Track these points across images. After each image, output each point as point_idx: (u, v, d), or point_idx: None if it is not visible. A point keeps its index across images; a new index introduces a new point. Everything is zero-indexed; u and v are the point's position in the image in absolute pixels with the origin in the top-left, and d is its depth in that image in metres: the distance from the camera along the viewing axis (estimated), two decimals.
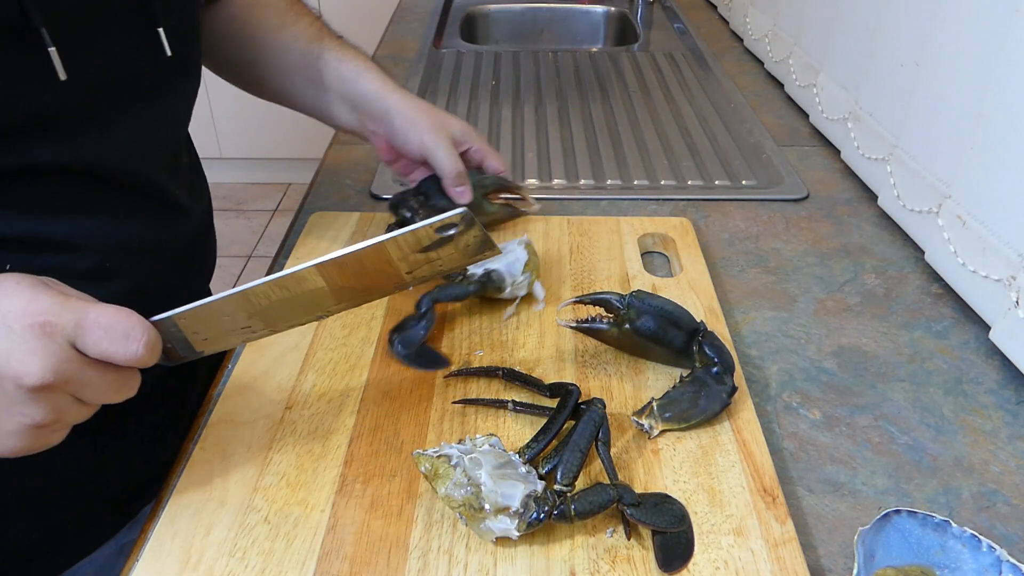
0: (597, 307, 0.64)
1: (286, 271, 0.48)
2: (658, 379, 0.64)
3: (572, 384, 0.58)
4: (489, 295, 0.70)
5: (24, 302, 0.41)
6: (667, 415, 0.58)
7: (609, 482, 0.51)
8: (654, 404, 0.59)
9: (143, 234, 0.61)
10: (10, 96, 0.49)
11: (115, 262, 0.59)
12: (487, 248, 0.52)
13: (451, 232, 0.50)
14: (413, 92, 1.20)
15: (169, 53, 0.59)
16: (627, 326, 0.62)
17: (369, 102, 0.75)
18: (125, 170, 0.58)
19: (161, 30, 0.58)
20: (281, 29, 0.77)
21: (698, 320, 0.63)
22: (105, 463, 0.65)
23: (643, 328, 0.62)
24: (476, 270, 0.69)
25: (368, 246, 0.49)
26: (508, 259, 0.70)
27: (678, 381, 0.61)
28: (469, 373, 0.63)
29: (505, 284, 0.69)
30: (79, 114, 0.54)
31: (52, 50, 0.49)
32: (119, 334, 0.43)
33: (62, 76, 0.50)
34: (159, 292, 0.61)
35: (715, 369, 0.60)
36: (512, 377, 0.62)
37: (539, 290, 0.71)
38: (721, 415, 0.59)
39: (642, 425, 0.58)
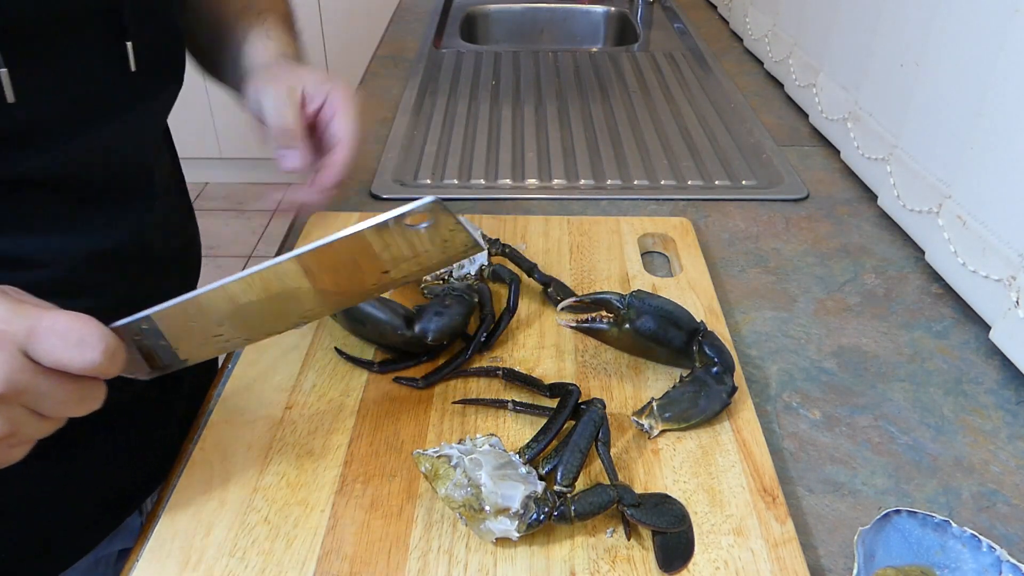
0: (597, 307, 0.64)
1: (259, 266, 0.45)
2: (658, 379, 0.64)
3: (572, 384, 0.58)
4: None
5: None
6: (667, 415, 0.58)
7: (609, 483, 0.51)
8: (654, 404, 0.59)
9: (115, 245, 0.59)
10: None
11: (88, 276, 0.57)
12: (471, 245, 0.47)
13: (422, 226, 0.44)
14: (413, 92, 1.21)
15: (134, 68, 0.56)
16: (627, 326, 0.62)
17: (246, 68, 0.67)
18: (93, 182, 0.57)
19: (129, 44, 0.55)
20: (224, 4, 0.73)
21: (698, 320, 0.63)
22: (79, 477, 0.63)
23: (643, 328, 0.62)
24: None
25: (343, 236, 0.45)
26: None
27: (678, 381, 0.61)
28: (469, 374, 0.63)
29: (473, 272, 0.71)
30: (37, 130, 0.52)
31: (2, 72, 0.47)
32: (74, 341, 0.39)
33: (10, 99, 0.48)
34: (139, 304, 0.60)
35: (715, 369, 0.60)
36: (512, 377, 0.62)
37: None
38: (721, 415, 0.59)
39: (642, 425, 0.58)
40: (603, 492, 0.50)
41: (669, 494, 0.53)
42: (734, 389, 0.59)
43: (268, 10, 0.73)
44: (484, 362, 0.65)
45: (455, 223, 0.45)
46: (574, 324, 0.64)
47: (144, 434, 0.68)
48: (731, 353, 0.62)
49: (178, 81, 0.65)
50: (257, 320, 0.48)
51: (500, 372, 0.62)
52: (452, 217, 0.45)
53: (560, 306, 0.65)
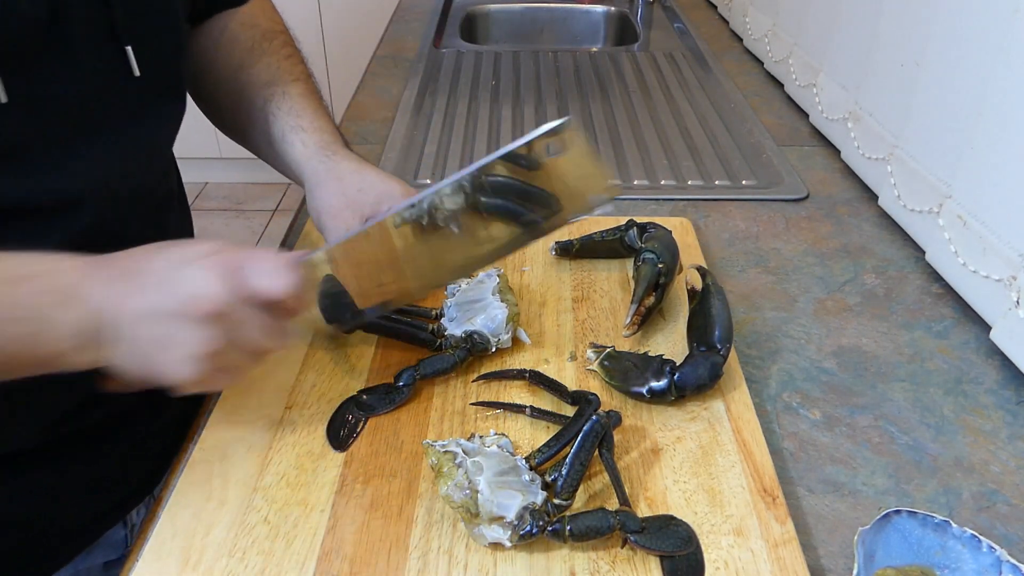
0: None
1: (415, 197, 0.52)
2: None
3: (592, 394, 0.58)
4: (475, 356, 0.64)
5: (202, 247, 0.47)
6: (606, 363, 0.63)
7: (616, 507, 0.50)
8: (607, 351, 0.63)
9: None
10: None
11: None
12: (603, 187, 0.53)
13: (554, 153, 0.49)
14: (413, 92, 1.21)
15: (138, 73, 0.56)
16: None
17: (294, 168, 0.67)
18: (86, 204, 0.55)
19: (129, 48, 0.55)
20: (240, 70, 0.70)
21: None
22: (67, 489, 0.62)
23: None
24: (456, 332, 0.64)
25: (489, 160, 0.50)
26: (487, 314, 0.65)
27: (643, 353, 0.64)
28: (497, 376, 0.63)
29: (489, 344, 0.64)
30: (34, 142, 0.51)
31: None
32: (269, 269, 0.47)
33: (2, 99, 0.47)
34: None
35: (667, 369, 0.60)
36: (537, 380, 0.62)
37: (523, 336, 0.67)
38: (721, 414, 0.59)
39: (589, 356, 0.64)
40: (603, 518, 0.49)
41: (674, 515, 0.51)
42: (654, 391, 0.59)
43: (292, 82, 0.70)
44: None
45: (585, 145, 0.50)
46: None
47: (134, 448, 0.67)
48: (706, 379, 0.60)
49: (183, 96, 0.64)
50: (418, 265, 0.54)
51: (527, 375, 0.62)
52: (583, 139, 0.50)
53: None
